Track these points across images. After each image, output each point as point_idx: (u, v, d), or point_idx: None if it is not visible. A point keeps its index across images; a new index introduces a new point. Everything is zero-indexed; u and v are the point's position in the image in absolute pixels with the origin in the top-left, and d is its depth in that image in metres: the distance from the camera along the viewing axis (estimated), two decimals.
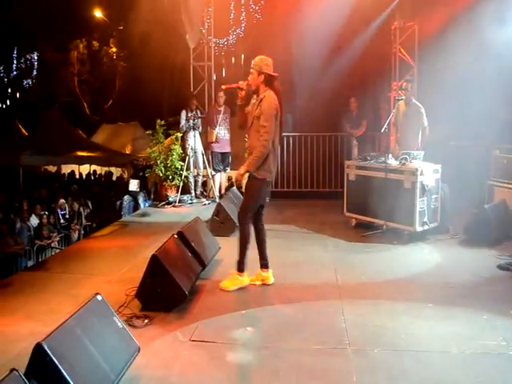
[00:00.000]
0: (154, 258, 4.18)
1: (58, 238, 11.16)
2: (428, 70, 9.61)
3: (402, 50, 10.14)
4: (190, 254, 4.81)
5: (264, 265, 4.95)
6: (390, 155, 6.87)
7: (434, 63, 9.41)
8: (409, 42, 10.09)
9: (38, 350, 2.57)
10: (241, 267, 4.76)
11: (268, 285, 4.90)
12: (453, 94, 8.66)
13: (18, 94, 31.42)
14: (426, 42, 9.67)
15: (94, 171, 18.96)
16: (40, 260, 9.90)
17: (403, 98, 7.60)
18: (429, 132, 7.53)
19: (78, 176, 18.59)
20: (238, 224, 4.91)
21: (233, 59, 21.83)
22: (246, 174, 4.74)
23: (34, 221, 11.25)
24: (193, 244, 4.90)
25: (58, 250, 10.36)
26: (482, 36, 8.30)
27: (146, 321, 3.98)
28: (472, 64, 8.34)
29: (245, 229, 4.73)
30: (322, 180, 10.15)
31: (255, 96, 4.73)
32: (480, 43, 8.30)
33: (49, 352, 2.56)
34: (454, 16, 8.78)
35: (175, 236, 4.80)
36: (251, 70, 4.67)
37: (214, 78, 11.02)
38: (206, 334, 3.83)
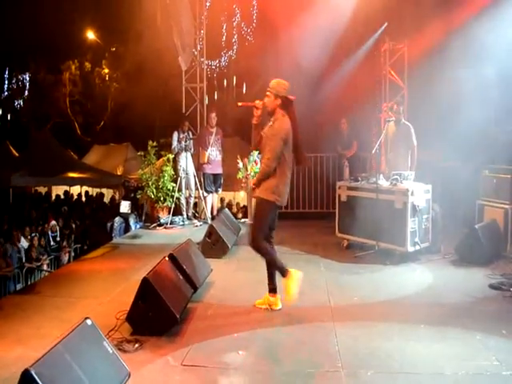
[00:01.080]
0: (145, 281, 4.15)
1: (47, 261, 11.05)
2: (417, 91, 9.74)
3: (392, 72, 10.27)
4: (181, 277, 4.78)
5: (272, 289, 4.90)
6: (381, 176, 6.91)
7: (423, 84, 9.53)
8: (398, 63, 10.24)
9: (26, 377, 2.52)
10: (271, 287, 4.85)
11: (275, 310, 4.82)
12: (442, 114, 8.78)
13: (9, 115, 31.39)
14: (416, 64, 9.81)
15: (86, 192, 18.89)
16: (29, 283, 9.79)
17: (393, 119, 7.68)
18: (418, 152, 7.60)
19: (69, 197, 18.49)
20: (255, 251, 4.85)
21: (225, 81, 22.01)
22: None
23: (23, 243, 11.15)
24: (184, 267, 4.88)
25: (47, 273, 10.26)
26: (470, 57, 8.45)
27: (137, 345, 3.93)
28: (461, 85, 8.46)
29: (264, 251, 4.76)
30: (313, 201, 10.18)
31: (271, 118, 4.75)
32: (468, 65, 8.44)
33: (36, 378, 2.52)
34: (443, 38, 8.93)
35: (167, 258, 4.77)
36: (267, 93, 4.70)
37: (206, 99, 11.08)
38: (197, 358, 3.78)
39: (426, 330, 4.25)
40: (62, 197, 18.36)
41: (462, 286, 5.48)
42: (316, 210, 10.12)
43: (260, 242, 4.73)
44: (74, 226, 13.20)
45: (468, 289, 5.33)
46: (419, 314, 4.64)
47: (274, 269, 4.78)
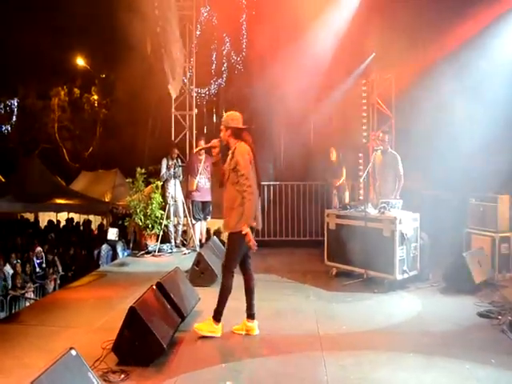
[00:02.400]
0: (131, 311, 4.09)
1: (32, 288, 10.87)
2: (405, 119, 9.88)
3: (380, 101, 10.43)
4: (169, 306, 4.72)
5: (250, 315, 4.92)
6: (370, 204, 6.96)
7: (410, 113, 9.68)
8: (386, 93, 10.41)
9: None
10: (217, 317, 4.76)
11: (252, 335, 4.85)
12: (429, 142, 8.88)
13: None
14: (403, 93, 9.97)
15: (72, 219, 18.72)
16: (13, 311, 9.61)
17: (380, 147, 7.78)
18: (405, 180, 7.68)
19: (55, 224, 18.32)
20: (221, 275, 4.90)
21: (214, 109, 22.18)
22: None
23: (8, 269, 10.97)
24: (172, 295, 4.82)
25: (32, 301, 10.09)
26: (457, 86, 8.60)
27: (123, 376, 3.86)
28: (448, 113, 8.61)
29: (227, 282, 4.76)
30: (302, 229, 10.17)
31: (229, 151, 4.86)
32: (454, 94, 8.59)
33: None
34: (430, 68, 9.11)
35: (154, 287, 4.72)
36: (221, 127, 4.87)
37: (195, 126, 11.13)
38: None
39: (414, 359, 4.22)
40: (48, 223, 18.18)
41: (450, 314, 5.48)
42: (305, 237, 10.12)
43: (228, 274, 4.77)
44: (60, 252, 13.03)
45: (457, 317, 5.33)
46: (408, 342, 4.62)
47: (220, 300, 4.75)
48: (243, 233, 4.62)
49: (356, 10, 9.80)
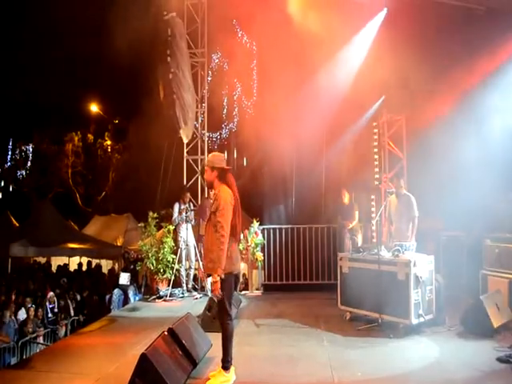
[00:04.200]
0: (143, 357, 4.04)
1: (43, 333, 10.77)
2: (417, 161, 9.90)
3: (391, 143, 10.49)
4: (180, 353, 4.66)
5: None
6: (383, 247, 6.89)
7: (422, 154, 9.71)
8: (397, 134, 10.48)
9: None
10: (226, 365, 4.68)
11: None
12: (442, 183, 8.87)
13: (11, 186, 31.77)
14: (414, 134, 10.04)
15: (89, 262, 18.71)
16: (24, 356, 9.52)
17: (393, 190, 7.78)
18: (419, 222, 7.63)
19: (67, 268, 18.31)
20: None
21: (225, 153, 22.41)
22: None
23: (22, 314, 10.92)
24: (184, 342, 4.77)
25: (43, 346, 9.99)
26: (469, 127, 8.66)
27: None
28: (460, 154, 8.62)
29: (227, 327, 4.73)
30: (315, 272, 10.05)
31: (214, 192, 4.94)
32: (467, 134, 8.63)
33: None
34: (441, 109, 9.19)
35: (166, 333, 4.67)
36: (205, 168, 4.92)
37: None
38: None
39: None
40: (59, 268, 18.18)
41: (469, 359, 5.33)
42: (317, 281, 9.97)
43: (226, 317, 4.74)
44: (72, 297, 12.98)
45: (475, 363, 5.18)
46: None
47: (225, 347, 4.69)
48: (214, 280, 4.60)
49: (367, 52, 10.00)
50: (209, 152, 11.53)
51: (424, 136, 9.64)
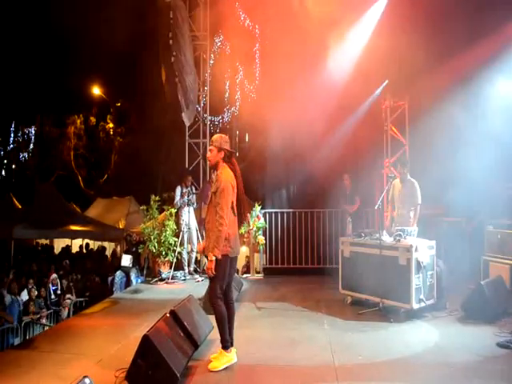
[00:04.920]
0: (145, 339, 4.07)
1: (46, 314, 10.86)
2: (419, 146, 9.85)
3: (393, 128, 10.44)
4: (182, 334, 4.69)
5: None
6: (385, 231, 6.89)
7: (424, 140, 9.66)
8: (400, 119, 10.42)
9: None
10: (225, 344, 4.71)
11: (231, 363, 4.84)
12: (444, 169, 8.84)
13: (13, 167, 31.82)
14: (417, 120, 9.97)
15: (87, 244, 18.81)
16: (27, 337, 9.61)
17: (394, 175, 7.77)
18: (421, 208, 7.62)
19: (70, 250, 18.41)
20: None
21: (227, 136, 22.34)
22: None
23: (24, 296, 11.00)
24: (186, 324, 4.79)
25: (46, 327, 10.08)
26: (471, 112, 8.60)
27: None
28: (462, 140, 8.58)
29: (218, 308, 4.70)
30: (316, 256, 10.09)
31: (216, 172, 4.91)
32: (470, 120, 8.58)
33: None
34: (444, 94, 9.12)
35: (168, 315, 4.69)
36: (210, 147, 4.89)
37: None
38: None
39: None
40: (62, 249, 18.28)
41: (469, 344, 5.36)
42: (319, 265, 10.01)
43: (217, 299, 4.70)
44: (74, 279, 13.06)
45: (476, 347, 5.21)
46: (427, 373, 4.52)
47: (220, 329, 4.70)
48: (209, 259, 4.61)
49: (369, 37, 9.90)
50: (211, 136, 11.49)
51: (427, 121, 9.59)
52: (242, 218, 4.93)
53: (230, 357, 4.69)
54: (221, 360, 4.67)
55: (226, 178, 4.72)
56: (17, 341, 9.42)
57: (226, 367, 4.64)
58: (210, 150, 4.88)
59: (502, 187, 8.43)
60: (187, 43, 10.51)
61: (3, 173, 32.89)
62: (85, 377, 3.14)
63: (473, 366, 4.69)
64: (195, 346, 4.82)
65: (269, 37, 12.60)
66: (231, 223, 4.72)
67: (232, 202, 4.74)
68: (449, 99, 8.97)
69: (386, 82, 10.28)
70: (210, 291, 4.77)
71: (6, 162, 32.56)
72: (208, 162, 4.97)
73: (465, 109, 8.77)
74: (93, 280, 13.02)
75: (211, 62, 11.94)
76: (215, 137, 4.92)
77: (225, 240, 4.64)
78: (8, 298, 10.41)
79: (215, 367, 4.62)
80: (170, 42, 10.08)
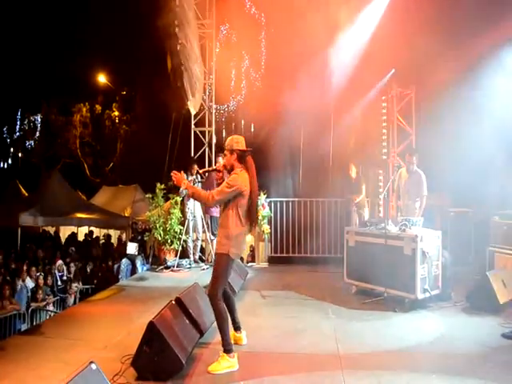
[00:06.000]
0: (150, 325, 4.09)
1: (53, 300, 10.95)
2: (425, 135, 9.80)
3: (400, 118, 10.38)
4: (187, 322, 4.71)
5: (236, 328, 5.00)
6: (390, 221, 6.88)
7: (431, 129, 9.61)
8: (406, 109, 10.36)
9: None
10: (228, 348, 4.49)
11: (241, 345, 4.93)
12: (450, 159, 8.80)
13: (20, 155, 31.92)
14: (423, 109, 9.92)
15: (91, 232, 18.88)
16: (34, 323, 9.69)
17: (399, 164, 7.73)
18: (427, 197, 7.59)
19: (76, 238, 18.50)
20: (211, 303, 4.59)
21: (233, 125, 22.31)
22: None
23: (29, 283, 11.09)
24: (191, 311, 4.81)
25: (53, 314, 10.16)
26: (478, 101, 8.53)
27: None
28: (469, 129, 8.51)
29: (219, 308, 4.53)
30: (321, 245, 10.09)
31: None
32: (477, 108, 8.51)
33: None
34: (451, 84, 9.05)
35: (173, 302, 4.72)
36: (225, 152, 4.76)
37: (214, 142, 11.22)
38: None
39: (437, 380, 4.13)
40: (68, 237, 18.37)
41: (474, 334, 5.36)
42: (324, 254, 10.02)
43: (217, 299, 4.53)
44: (80, 266, 13.15)
45: (480, 338, 5.21)
46: (431, 363, 4.53)
47: (221, 329, 4.52)
48: (185, 184, 4.57)
49: (376, 25, 9.82)
50: (216, 124, 11.48)
51: (433, 111, 9.53)
52: (254, 223, 4.77)
53: (233, 362, 4.44)
54: (222, 364, 4.41)
55: (236, 178, 4.55)
56: (24, 327, 9.51)
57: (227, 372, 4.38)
58: (224, 155, 4.78)
59: (508, 177, 8.38)
60: (193, 31, 10.46)
61: (9, 160, 33.02)
62: (91, 362, 3.15)
63: (477, 357, 4.69)
64: (200, 333, 4.85)
65: (274, 25, 12.54)
66: (235, 225, 4.55)
67: (237, 205, 4.56)
68: (456, 88, 8.90)
69: (393, 70, 10.20)
70: (211, 290, 4.57)
71: (12, 149, 32.65)
72: (226, 168, 4.78)
73: (472, 97, 8.69)
74: (101, 267, 13.11)
75: (217, 50, 11.87)
76: (227, 140, 4.79)
77: (228, 239, 4.52)
78: (18, 286, 10.52)
79: (215, 370, 4.37)
80: (176, 29, 10.02)
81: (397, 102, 10.46)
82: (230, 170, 4.71)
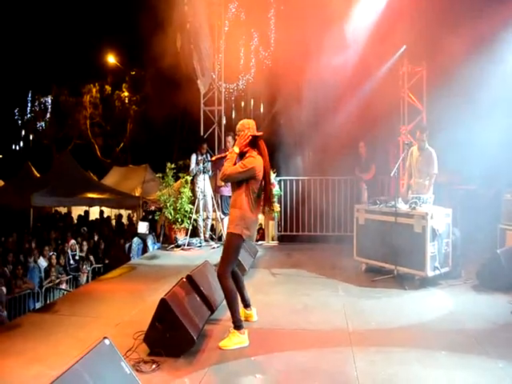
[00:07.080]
0: (162, 302, 4.15)
1: (66, 279, 11.12)
2: (436, 113, 9.70)
3: (411, 95, 10.27)
4: (198, 299, 4.77)
5: (246, 305, 5.05)
6: (400, 199, 6.86)
7: (442, 107, 9.49)
8: (417, 86, 10.24)
9: None
10: (238, 324, 4.52)
11: (252, 322, 5.00)
12: (461, 137, 8.71)
13: (31, 137, 32.06)
14: (434, 86, 9.79)
15: (101, 212, 19.03)
16: (48, 302, 9.86)
17: (410, 142, 7.66)
18: (437, 175, 7.55)
19: (88, 218, 18.67)
20: (219, 281, 4.58)
21: (242, 103, 22.19)
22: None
23: (42, 262, 11.25)
24: (202, 288, 4.87)
25: (66, 292, 10.33)
26: (489, 79, 8.40)
27: (154, 366, 3.92)
28: (480, 107, 8.41)
29: (227, 285, 4.54)
30: (331, 223, 10.11)
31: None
32: (488, 86, 8.39)
33: None
34: (462, 60, 8.91)
35: (184, 280, 4.77)
36: (236, 137, 4.73)
37: (224, 122, 11.20)
38: (214, 380, 3.76)
39: (446, 357, 4.15)
40: (80, 216, 18.55)
41: (483, 312, 5.38)
42: (334, 233, 10.04)
43: (226, 277, 4.55)
44: (92, 246, 13.30)
45: (490, 315, 5.23)
46: (439, 340, 4.55)
47: (231, 306, 4.54)
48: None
49: (387, 2, 9.66)
50: (225, 103, 11.43)
51: (444, 88, 9.40)
52: (268, 206, 4.72)
53: (243, 339, 4.48)
54: (233, 340, 4.45)
55: (252, 161, 4.51)
56: (38, 305, 9.69)
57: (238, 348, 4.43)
58: (235, 140, 4.74)
59: None
60: (202, 9, 10.37)
61: (21, 143, 33.21)
62: (105, 338, 3.21)
63: (487, 334, 4.70)
64: (211, 310, 4.91)
65: (284, 2, 12.38)
66: (247, 206, 4.54)
67: (250, 187, 4.54)
68: (467, 64, 8.76)
69: (404, 47, 10.06)
70: (220, 268, 4.57)
71: (24, 131, 32.80)
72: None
73: (484, 74, 8.56)
74: (112, 245, 13.26)
75: (226, 28, 11.76)
76: (238, 126, 4.75)
77: (242, 219, 4.52)
78: (30, 265, 10.68)
79: (226, 346, 4.41)
80: (186, 7, 9.95)
81: (408, 78, 10.33)
82: (242, 155, 4.65)
